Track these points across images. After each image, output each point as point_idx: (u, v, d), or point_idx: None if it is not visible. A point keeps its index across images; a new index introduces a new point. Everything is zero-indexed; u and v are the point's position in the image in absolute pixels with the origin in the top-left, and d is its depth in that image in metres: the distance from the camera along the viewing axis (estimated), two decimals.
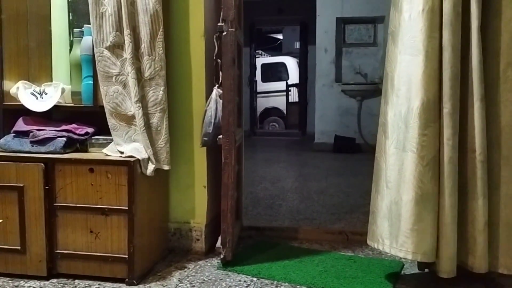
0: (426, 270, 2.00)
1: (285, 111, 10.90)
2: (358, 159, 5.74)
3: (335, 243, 2.49)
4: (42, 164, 1.94)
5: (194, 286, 1.93)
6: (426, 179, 1.76)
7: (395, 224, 1.83)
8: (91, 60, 2.05)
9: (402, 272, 2.10)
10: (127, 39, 1.96)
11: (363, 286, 1.91)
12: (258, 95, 10.15)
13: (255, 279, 2.00)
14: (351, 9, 6.49)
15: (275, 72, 11.21)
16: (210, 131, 2.14)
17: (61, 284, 1.94)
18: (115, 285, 1.93)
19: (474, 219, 1.79)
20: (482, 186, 1.77)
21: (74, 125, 2.10)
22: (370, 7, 6.18)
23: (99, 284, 1.93)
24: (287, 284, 1.95)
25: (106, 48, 1.99)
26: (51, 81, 2.24)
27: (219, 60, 2.15)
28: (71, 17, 2.32)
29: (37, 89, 2.15)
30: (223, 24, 2.06)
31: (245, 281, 1.97)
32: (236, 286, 1.93)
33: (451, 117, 1.74)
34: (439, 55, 1.76)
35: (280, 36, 14.31)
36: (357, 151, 6.29)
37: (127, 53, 1.97)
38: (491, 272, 1.83)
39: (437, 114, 1.76)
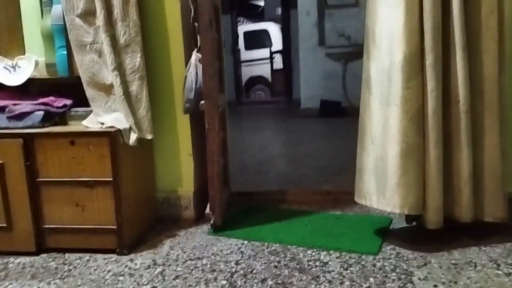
0: (414, 223, 2.03)
1: (270, 79, 10.81)
2: (344, 122, 5.73)
3: (324, 203, 2.51)
4: (20, 139, 1.89)
5: (185, 252, 1.93)
6: (411, 132, 1.76)
7: (382, 180, 1.83)
8: (63, 30, 1.98)
9: (391, 227, 2.12)
10: (99, 5, 1.89)
11: (352, 243, 1.93)
12: (242, 64, 10.02)
13: (246, 242, 2.01)
14: None
15: (258, 40, 11.03)
16: (192, 97, 2.10)
17: (51, 258, 1.93)
18: (106, 255, 1.92)
19: (459, 170, 1.80)
20: (466, 136, 1.77)
21: (51, 98, 2.04)
22: None
23: (90, 256, 1.93)
24: (277, 245, 1.96)
25: (77, 16, 1.92)
26: (24, 54, 2.16)
27: (196, 24, 2.09)
28: None
29: (10, 62, 2.08)
30: None
31: (236, 244, 1.98)
32: (227, 249, 1.94)
33: (433, 69, 1.72)
34: (420, 6, 1.72)
35: (261, 3, 14.03)
36: (344, 114, 6.28)
37: (100, 20, 1.90)
38: (477, 221, 1.86)
39: (420, 66, 1.74)
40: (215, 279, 1.68)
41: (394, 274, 1.65)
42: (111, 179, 1.89)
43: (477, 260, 1.72)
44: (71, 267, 1.83)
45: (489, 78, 1.77)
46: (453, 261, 1.72)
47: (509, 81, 1.86)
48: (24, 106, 1.97)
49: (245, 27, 11.71)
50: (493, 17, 1.75)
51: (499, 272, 1.62)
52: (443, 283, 1.56)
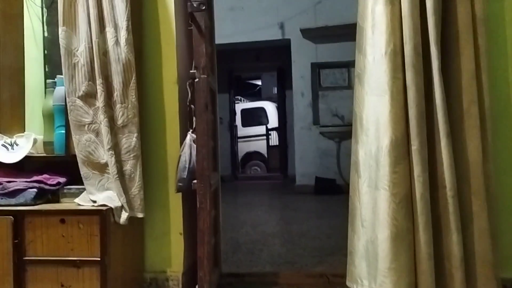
0: None
1: (266, 155, 10.95)
2: (339, 200, 5.74)
3: (316, 286, 2.44)
4: (11, 217, 1.88)
5: None
6: (400, 216, 1.77)
7: (373, 264, 1.82)
8: (64, 110, 2.06)
9: None
10: (100, 88, 1.98)
11: None
12: (239, 140, 10.20)
13: None
14: (325, 54, 6.71)
15: (255, 117, 11.34)
16: (185, 176, 2.13)
17: None
18: None
19: (450, 255, 1.79)
20: (455, 221, 1.78)
21: (45, 176, 2.07)
22: (343, 52, 6.40)
23: None
24: None
25: (78, 97, 2.00)
26: (24, 132, 2.22)
27: (192, 106, 2.17)
28: (47, 69, 2.35)
29: (8, 140, 2.13)
30: (195, 71, 2.10)
31: None
32: None
33: (419, 154, 1.78)
34: (404, 94, 1.82)
35: (259, 82, 14.61)
36: (338, 192, 6.29)
37: (100, 101, 1.99)
38: None
39: (406, 151, 1.80)
40: None
41: None
42: (99, 259, 1.86)
43: None
44: None
45: (474, 164, 1.82)
46: None
47: (495, 166, 1.91)
48: (18, 183, 1.99)
49: (242, 105, 12.10)
50: (474, 106, 1.84)
51: None
52: None
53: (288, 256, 3.12)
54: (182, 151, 2.18)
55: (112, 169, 1.98)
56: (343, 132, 6.57)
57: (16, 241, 1.88)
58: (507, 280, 1.99)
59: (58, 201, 2.05)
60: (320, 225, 4.22)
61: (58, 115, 2.10)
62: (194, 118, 2.15)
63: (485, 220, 1.80)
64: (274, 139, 10.50)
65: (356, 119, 1.94)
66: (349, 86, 6.63)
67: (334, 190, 6.34)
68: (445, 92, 1.83)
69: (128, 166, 2.03)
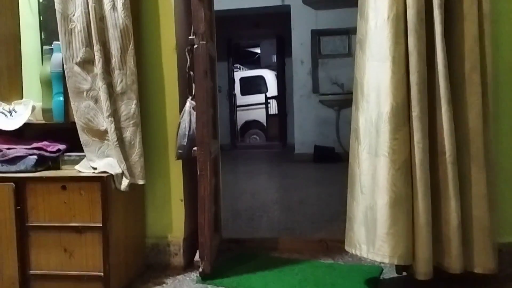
0: (404, 273, 2.01)
1: (265, 124, 10.94)
2: (337, 168, 5.74)
3: (315, 251, 2.49)
4: (12, 183, 1.89)
5: None
6: (399, 182, 1.78)
7: (371, 229, 1.84)
8: (62, 77, 2.03)
9: (381, 277, 2.10)
10: (97, 54, 1.95)
11: None
12: (238, 109, 10.17)
13: None
14: (325, 21, 6.60)
15: (254, 85, 11.26)
16: (185, 143, 2.13)
17: None
18: None
19: (448, 220, 1.81)
20: (454, 187, 1.79)
21: (45, 143, 2.06)
22: (343, 18, 6.29)
23: None
24: None
25: (76, 64, 1.98)
26: (22, 99, 2.21)
27: (191, 73, 2.15)
28: (43, 36, 2.31)
29: (7, 107, 2.12)
30: (194, 37, 2.07)
31: None
32: None
33: (420, 121, 1.77)
34: (406, 60, 1.79)
35: (258, 50, 14.43)
36: (337, 160, 6.32)
37: (98, 68, 1.96)
38: (467, 272, 1.85)
39: (407, 118, 1.79)
40: None
41: None
42: (101, 225, 1.88)
43: None
44: None
45: (474, 131, 1.82)
46: None
47: (495, 133, 1.91)
48: (18, 150, 2.00)
49: (241, 73, 11.98)
50: (476, 72, 1.82)
51: None
52: None
53: (287, 222, 3.17)
54: (181, 118, 2.17)
55: (112, 136, 1.97)
56: (342, 101, 6.54)
57: (18, 207, 1.89)
58: (503, 245, 2.02)
59: (58, 168, 2.05)
60: (319, 193, 4.27)
61: (56, 82, 2.08)
62: (193, 85, 2.14)
63: (483, 186, 1.82)
64: (273, 107, 10.46)
65: (356, 86, 1.93)
66: (350, 54, 6.55)
67: (333, 158, 6.37)
68: (447, 58, 1.81)
69: (127, 133, 2.02)
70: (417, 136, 1.77)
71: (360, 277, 2.07)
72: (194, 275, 2.17)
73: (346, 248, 1.98)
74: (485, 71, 1.83)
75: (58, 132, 2.13)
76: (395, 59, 1.78)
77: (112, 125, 1.97)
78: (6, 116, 2.08)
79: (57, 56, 2.07)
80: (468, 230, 1.84)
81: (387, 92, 1.78)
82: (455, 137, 1.80)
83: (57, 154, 2.05)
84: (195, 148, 2.09)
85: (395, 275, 2.06)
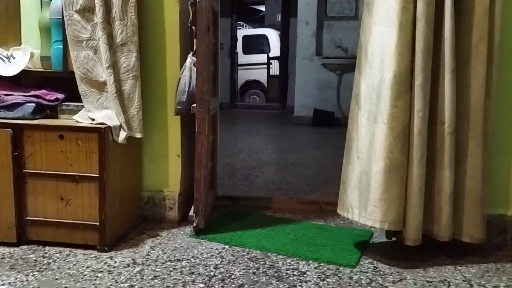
0: (394, 238, 2.06)
1: (266, 84, 10.85)
2: (336, 133, 5.77)
3: (308, 212, 2.54)
4: (10, 130, 1.89)
5: (165, 253, 1.94)
6: (396, 150, 1.79)
7: (365, 194, 1.86)
8: (61, 24, 1.99)
9: (371, 240, 2.15)
10: (98, 3, 1.90)
11: (332, 254, 1.95)
12: (239, 68, 10.05)
13: (227, 246, 2.03)
14: None
15: (257, 45, 11.08)
16: (184, 100, 2.12)
17: (31, 251, 1.93)
18: (86, 251, 1.93)
19: (441, 190, 1.84)
20: (450, 157, 1.81)
21: (43, 91, 2.05)
22: None
23: (70, 251, 1.93)
24: (258, 251, 1.98)
25: (76, 11, 1.93)
26: (20, 45, 2.17)
27: (193, 28, 2.11)
28: None
29: (5, 53, 2.09)
30: None
31: (217, 249, 2.00)
32: (208, 253, 1.95)
33: (422, 89, 1.76)
34: (413, 26, 1.76)
35: (262, 8, 14.10)
36: (336, 125, 6.32)
37: (98, 17, 1.92)
38: (454, 240, 1.90)
39: (409, 86, 1.78)
40: (193, 281, 1.69)
41: None
42: (98, 175, 1.90)
43: (451, 279, 1.75)
44: (50, 261, 1.84)
45: (476, 103, 1.81)
46: (428, 279, 1.75)
47: (495, 108, 1.90)
48: (16, 97, 1.98)
49: (244, 31, 11.76)
50: (484, 42, 1.80)
51: None
52: None
53: (282, 183, 3.20)
54: (182, 73, 2.15)
55: (110, 88, 1.96)
56: (345, 65, 6.46)
57: (15, 154, 1.90)
58: (492, 216, 2.06)
59: (56, 117, 2.05)
60: (315, 156, 4.30)
61: (55, 29, 2.03)
62: (195, 40, 2.10)
63: (479, 158, 1.83)
64: (275, 68, 10.34)
65: (361, 50, 1.89)
66: (356, 17, 6.41)
67: (332, 123, 6.37)
68: (455, 26, 1.77)
69: (127, 86, 2.01)
70: (418, 105, 1.76)
71: (350, 240, 2.12)
72: (188, 229, 2.22)
73: (339, 211, 2.01)
74: (492, 41, 1.81)
75: (57, 81, 2.11)
76: (402, 24, 1.74)
77: (111, 76, 1.95)
78: (4, 62, 2.05)
79: (56, 2, 2.02)
80: (460, 200, 1.87)
81: (391, 58, 1.76)
82: (456, 108, 1.79)
83: (55, 103, 2.04)
84: (194, 105, 2.08)
85: (385, 239, 2.11)
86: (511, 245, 2.10)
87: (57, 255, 1.89)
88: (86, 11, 1.94)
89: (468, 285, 1.71)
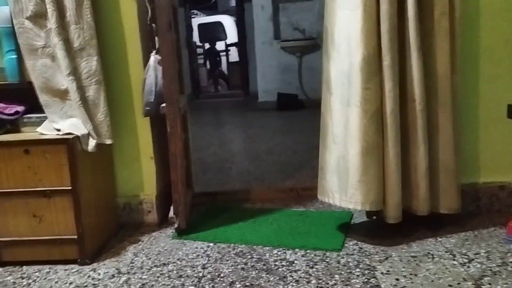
0: (374, 217, 2.10)
1: (226, 72, 10.75)
2: (302, 115, 5.82)
3: (287, 200, 2.55)
4: None
5: (150, 258, 1.90)
6: (371, 131, 1.81)
7: (344, 178, 1.88)
8: (12, 33, 1.89)
9: (352, 221, 2.19)
10: (50, 7, 1.81)
11: (316, 240, 1.97)
12: (198, 57, 9.90)
13: (211, 244, 2.01)
14: None
15: (212, 32, 10.93)
16: (152, 100, 2.06)
17: (8, 272, 1.85)
18: (67, 266, 1.87)
19: (416, 165, 1.88)
20: (423, 133, 1.84)
21: (1, 105, 1.94)
22: None
23: (49, 268, 1.86)
24: (243, 245, 1.97)
25: (26, 18, 1.83)
26: None
27: (153, 25, 2.04)
28: None
29: None
30: None
31: (202, 248, 1.98)
32: (193, 253, 1.93)
33: (391, 69, 1.78)
34: (377, 9, 1.76)
35: None
36: (301, 107, 6.36)
37: (52, 22, 1.82)
38: (432, 213, 1.95)
39: (378, 67, 1.79)
40: (183, 285, 1.66)
41: (358, 270, 1.70)
42: (70, 188, 1.83)
43: (434, 251, 1.81)
44: (30, 281, 1.77)
45: (443, 77, 1.85)
46: (412, 254, 1.80)
47: (461, 80, 1.95)
48: None
49: (199, 19, 11.56)
50: (445, 18, 1.83)
51: (455, 262, 1.71)
52: (404, 276, 1.63)
53: (257, 172, 3.19)
54: (146, 73, 2.08)
55: (74, 95, 1.87)
56: (304, 47, 6.48)
57: None
58: (465, 185, 2.13)
59: (18, 131, 1.95)
60: (285, 141, 4.31)
61: (6, 39, 1.92)
62: (156, 38, 2.04)
63: (450, 131, 1.87)
64: (234, 55, 10.25)
65: (327, 35, 1.89)
66: None
67: (297, 105, 6.39)
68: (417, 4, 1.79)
69: (91, 92, 1.92)
70: (388, 85, 1.78)
71: (332, 223, 2.14)
72: (169, 231, 2.18)
73: (319, 197, 2.03)
74: (453, 16, 1.84)
75: (14, 93, 2.01)
76: (367, 6, 1.74)
77: (74, 84, 1.86)
78: None
79: (4, 10, 1.90)
80: (435, 173, 1.92)
81: (358, 41, 1.76)
82: (424, 84, 1.82)
83: (15, 116, 1.94)
84: (163, 105, 2.02)
85: (365, 219, 2.15)
86: (485, 211, 2.18)
87: (37, 274, 1.82)
88: (38, 17, 1.84)
89: (451, 256, 1.76)
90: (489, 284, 1.53)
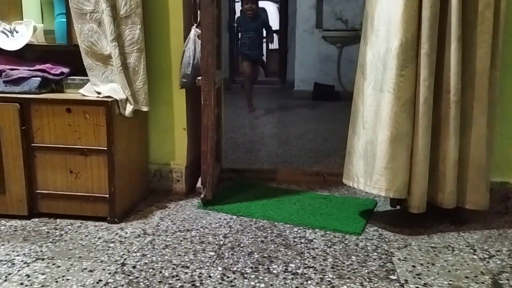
0: (398, 207, 2.10)
1: (265, 59, 10.74)
2: (336, 106, 5.80)
3: (312, 183, 2.57)
4: (17, 104, 1.90)
5: (175, 223, 1.98)
6: (402, 119, 1.80)
7: (370, 163, 1.89)
8: None
9: (375, 209, 2.19)
10: None
11: (338, 222, 1.99)
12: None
13: (234, 216, 2.07)
14: None
15: None
16: (189, 72, 2.12)
17: (43, 223, 1.96)
18: (97, 223, 1.97)
19: (445, 158, 1.86)
20: (455, 126, 1.82)
21: (48, 65, 2.04)
22: None
23: (81, 223, 1.97)
24: (265, 221, 2.02)
25: None
26: (22, 19, 2.15)
27: None
28: None
29: (8, 27, 2.07)
30: None
31: (225, 219, 2.04)
32: (216, 223, 1.99)
33: (428, 58, 1.76)
34: None
35: None
36: (336, 98, 6.32)
37: None
38: (458, 207, 1.93)
39: (415, 54, 1.78)
40: (204, 250, 1.73)
41: (375, 254, 1.72)
42: (106, 148, 1.92)
43: (455, 244, 1.80)
44: (62, 232, 1.87)
45: (481, 71, 1.82)
46: (432, 245, 1.79)
47: (500, 76, 1.91)
48: (21, 71, 1.98)
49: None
50: (490, 10, 1.79)
51: (475, 257, 1.70)
52: (421, 264, 1.63)
53: (285, 156, 3.23)
54: (186, 46, 2.14)
55: (116, 61, 1.95)
56: (346, 37, 6.42)
57: (23, 128, 1.92)
58: (495, 184, 2.09)
59: (62, 91, 2.05)
60: (317, 129, 4.31)
61: (58, 2, 2.02)
62: (198, 12, 2.08)
63: (484, 126, 1.85)
64: (274, 42, 10.22)
65: (367, 19, 1.89)
66: None
67: (333, 96, 6.36)
68: None
69: (132, 59, 2.00)
70: (423, 73, 1.76)
71: (355, 209, 2.16)
72: (196, 201, 2.25)
73: (344, 180, 2.04)
74: (498, 8, 1.80)
75: (61, 55, 2.11)
76: None
77: (116, 50, 1.94)
78: (7, 36, 2.04)
79: None
80: (464, 168, 1.90)
81: (398, 27, 1.75)
82: (461, 76, 1.80)
83: (60, 77, 2.04)
84: (199, 78, 2.08)
85: (389, 208, 2.15)
86: None
87: (69, 226, 1.93)
88: None
89: (471, 250, 1.75)
90: (507, 280, 1.52)
